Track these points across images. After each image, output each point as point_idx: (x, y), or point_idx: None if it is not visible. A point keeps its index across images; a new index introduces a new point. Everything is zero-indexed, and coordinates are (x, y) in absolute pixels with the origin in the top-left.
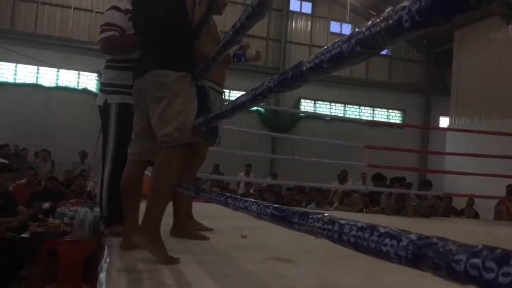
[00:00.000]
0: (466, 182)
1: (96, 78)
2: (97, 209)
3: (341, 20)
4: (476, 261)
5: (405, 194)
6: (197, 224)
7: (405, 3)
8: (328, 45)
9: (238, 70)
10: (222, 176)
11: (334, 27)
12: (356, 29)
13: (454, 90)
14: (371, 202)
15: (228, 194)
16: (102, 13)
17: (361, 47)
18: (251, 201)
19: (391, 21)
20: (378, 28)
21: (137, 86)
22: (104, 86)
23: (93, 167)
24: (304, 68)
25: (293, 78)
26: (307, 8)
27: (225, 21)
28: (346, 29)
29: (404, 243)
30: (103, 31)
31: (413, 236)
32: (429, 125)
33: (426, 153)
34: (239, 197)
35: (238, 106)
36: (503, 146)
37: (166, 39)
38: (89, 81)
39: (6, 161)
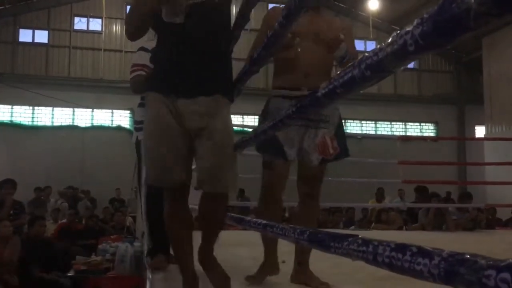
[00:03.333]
0: (510, 191)
1: (129, 115)
2: (137, 244)
3: (365, 38)
4: (505, 275)
5: (443, 208)
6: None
7: (408, 28)
8: (340, 71)
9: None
10: (246, 202)
11: (358, 45)
12: (365, 54)
13: (487, 98)
14: (410, 219)
15: (266, 222)
16: (131, 52)
17: (371, 71)
18: (288, 227)
19: (396, 46)
20: (385, 53)
21: None
22: (136, 124)
23: (131, 202)
24: (320, 94)
25: (311, 104)
26: None
27: None
28: (371, 46)
29: (436, 261)
30: (131, 72)
31: (444, 254)
32: (464, 136)
33: (464, 164)
34: (277, 224)
35: (260, 134)
36: None
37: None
38: (122, 118)
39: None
